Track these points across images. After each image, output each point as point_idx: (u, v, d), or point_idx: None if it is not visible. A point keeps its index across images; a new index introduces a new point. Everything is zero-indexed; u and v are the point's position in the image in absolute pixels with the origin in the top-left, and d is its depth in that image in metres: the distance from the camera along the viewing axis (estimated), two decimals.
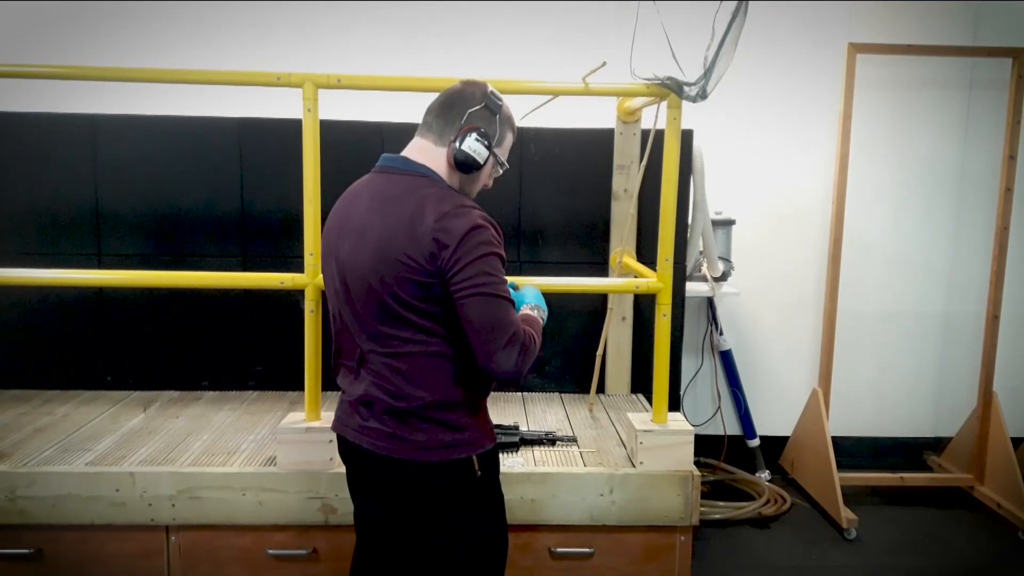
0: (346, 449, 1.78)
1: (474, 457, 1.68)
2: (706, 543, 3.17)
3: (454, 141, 1.66)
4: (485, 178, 1.76)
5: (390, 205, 1.62)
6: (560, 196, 3.18)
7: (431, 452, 1.65)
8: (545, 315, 1.83)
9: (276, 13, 3.46)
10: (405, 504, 1.70)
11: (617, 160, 3.08)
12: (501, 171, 1.79)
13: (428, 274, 1.57)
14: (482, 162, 1.67)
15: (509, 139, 1.77)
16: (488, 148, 1.67)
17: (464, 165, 1.66)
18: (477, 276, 1.55)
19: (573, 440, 2.65)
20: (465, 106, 1.68)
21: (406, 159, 1.69)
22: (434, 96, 1.74)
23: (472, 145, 1.65)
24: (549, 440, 2.63)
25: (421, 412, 1.64)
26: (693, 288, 3.45)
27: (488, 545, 1.76)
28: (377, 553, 1.81)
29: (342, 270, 1.68)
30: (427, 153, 1.69)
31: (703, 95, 2.21)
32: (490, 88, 1.73)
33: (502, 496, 1.82)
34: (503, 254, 1.62)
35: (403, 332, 1.62)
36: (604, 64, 2.32)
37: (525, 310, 1.80)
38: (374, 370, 1.67)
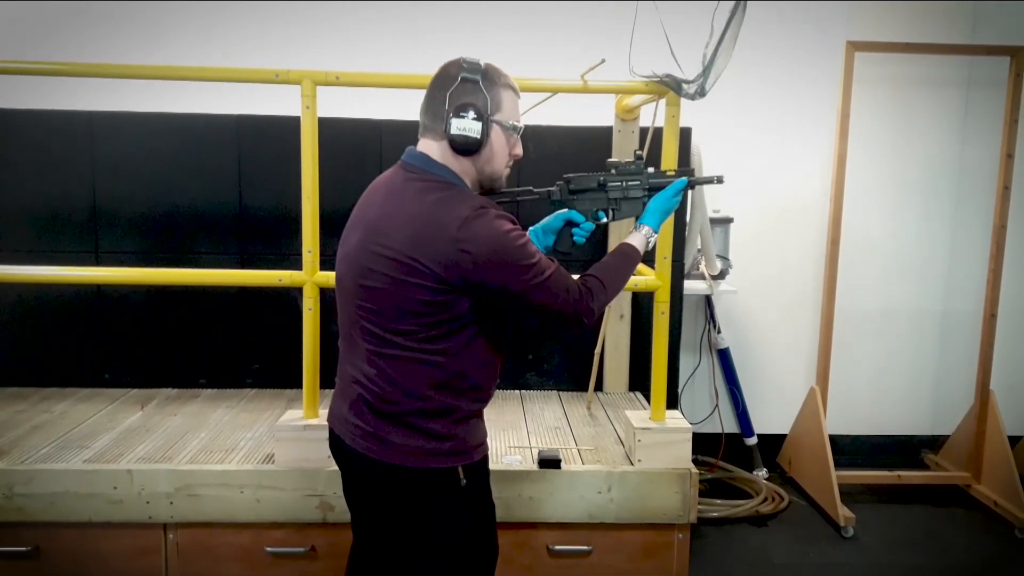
0: (333, 441, 1.75)
1: (460, 468, 1.62)
2: (704, 541, 3.17)
3: (445, 131, 1.59)
4: (501, 150, 1.66)
5: (405, 207, 1.56)
6: None
7: (410, 458, 1.60)
8: (649, 236, 1.85)
9: (275, 10, 3.45)
10: (385, 507, 1.66)
11: (616, 158, 3.08)
12: (517, 135, 1.67)
13: (441, 281, 1.51)
14: (478, 137, 1.58)
15: (507, 98, 1.65)
16: (480, 119, 1.58)
17: (463, 149, 1.59)
18: (522, 283, 1.55)
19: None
20: (443, 90, 1.60)
21: (425, 157, 1.63)
22: None
23: (459, 125, 1.57)
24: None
25: (404, 418, 1.59)
26: (691, 286, 3.46)
27: (469, 558, 1.69)
28: (368, 551, 1.79)
29: (345, 260, 1.66)
30: (435, 152, 1.63)
31: (702, 93, 2.21)
32: (464, 59, 1.62)
33: (492, 507, 1.75)
34: (526, 237, 1.58)
35: (395, 337, 1.57)
36: (603, 62, 2.32)
37: (633, 238, 1.83)
38: (363, 367, 1.63)
